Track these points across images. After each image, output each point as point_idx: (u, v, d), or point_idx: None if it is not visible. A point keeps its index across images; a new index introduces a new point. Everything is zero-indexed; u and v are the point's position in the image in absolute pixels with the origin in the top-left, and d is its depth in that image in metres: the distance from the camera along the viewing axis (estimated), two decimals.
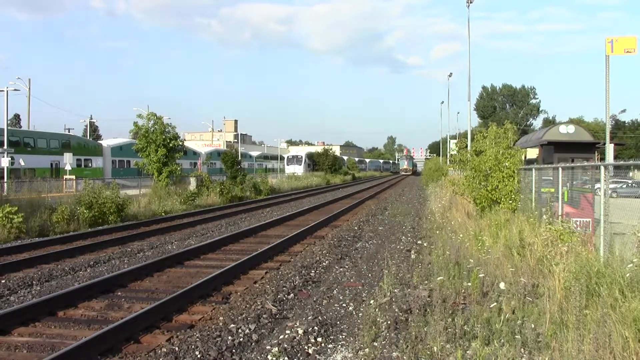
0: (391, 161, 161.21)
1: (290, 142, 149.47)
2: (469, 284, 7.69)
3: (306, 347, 6.31)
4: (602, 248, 8.06)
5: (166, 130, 29.56)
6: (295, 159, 78.63)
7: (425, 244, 13.18)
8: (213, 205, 27.38)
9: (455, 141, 42.61)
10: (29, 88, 49.91)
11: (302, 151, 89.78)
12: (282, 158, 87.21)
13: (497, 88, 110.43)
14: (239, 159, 41.41)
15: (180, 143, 32.02)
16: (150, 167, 29.30)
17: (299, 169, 71.10)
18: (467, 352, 5.48)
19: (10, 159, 34.95)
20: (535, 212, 11.82)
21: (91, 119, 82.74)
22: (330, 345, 6.43)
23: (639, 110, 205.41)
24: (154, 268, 10.77)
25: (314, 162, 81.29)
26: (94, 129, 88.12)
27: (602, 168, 8.59)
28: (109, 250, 13.34)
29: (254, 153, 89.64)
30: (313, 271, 10.85)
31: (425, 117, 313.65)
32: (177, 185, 29.05)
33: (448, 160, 46.25)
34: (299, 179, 53.44)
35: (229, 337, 6.62)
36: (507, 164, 14.88)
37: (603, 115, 20.37)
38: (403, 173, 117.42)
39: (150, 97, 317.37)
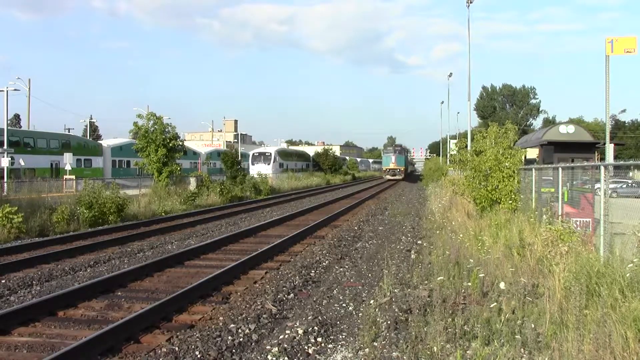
0: None
1: (291, 142, 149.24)
2: (469, 284, 7.69)
3: (306, 347, 6.31)
4: (602, 248, 8.06)
5: (166, 130, 29.59)
6: (262, 157, 63.03)
7: (425, 244, 13.18)
8: (213, 205, 27.39)
9: (455, 141, 42.60)
10: (29, 88, 49.95)
11: (271, 148, 71.51)
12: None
13: (497, 88, 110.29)
14: (239, 159, 41.42)
15: (180, 143, 32.04)
16: (150, 167, 29.32)
17: (266, 169, 56.30)
18: (467, 352, 5.48)
19: (10, 159, 34.96)
20: (535, 212, 11.82)
21: (91, 119, 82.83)
22: (330, 345, 6.43)
23: (639, 110, 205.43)
24: (154, 268, 10.78)
25: (315, 160, 77.42)
26: (94, 129, 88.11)
27: (602, 168, 8.60)
28: (109, 250, 13.34)
29: None
30: (313, 271, 10.85)
31: (425, 117, 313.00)
32: (177, 185, 29.05)
33: (448, 160, 46.25)
34: (299, 179, 53.34)
35: (229, 337, 6.62)
36: (507, 164, 14.88)
37: (603, 115, 20.37)
38: (389, 177, 69.32)
39: (150, 97, 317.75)
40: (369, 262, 11.92)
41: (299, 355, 6.12)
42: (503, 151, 15.24)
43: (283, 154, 69.62)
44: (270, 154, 63.84)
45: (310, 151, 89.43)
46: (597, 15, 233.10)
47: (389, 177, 69.07)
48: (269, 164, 60.56)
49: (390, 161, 69.31)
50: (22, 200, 18.72)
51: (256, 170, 51.78)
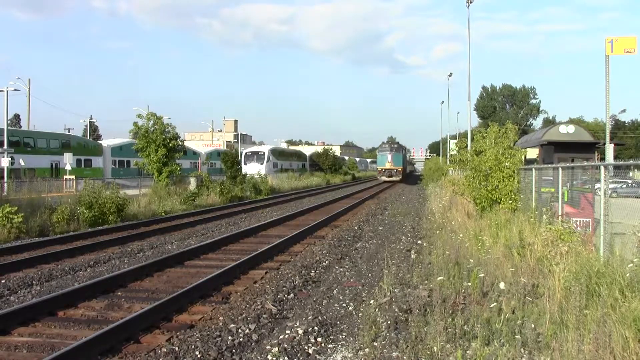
0: None
1: (290, 142, 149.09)
2: (469, 284, 7.69)
3: (306, 347, 6.31)
4: (602, 248, 8.06)
5: (166, 130, 29.63)
6: (255, 156, 59.64)
7: (425, 244, 13.18)
8: (213, 205, 27.38)
9: (455, 141, 42.59)
10: (29, 88, 50.00)
11: (264, 147, 68.21)
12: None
13: (497, 88, 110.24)
14: (239, 159, 41.40)
15: (180, 143, 32.11)
16: (150, 167, 29.36)
17: (260, 169, 52.89)
18: (467, 352, 5.48)
19: (10, 159, 34.96)
20: (535, 212, 11.82)
21: (91, 119, 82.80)
22: (330, 345, 6.43)
23: (639, 110, 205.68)
24: (154, 268, 10.77)
25: (314, 160, 76.82)
26: (94, 129, 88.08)
27: (602, 168, 8.60)
28: (109, 250, 13.34)
29: None
30: (313, 271, 10.85)
31: (425, 117, 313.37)
32: (177, 185, 29.07)
33: (448, 160, 46.24)
34: (299, 179, 53.32)
35: (229, 337, 6.62)
36: (507, 164, 14.88)
37: (603, 115, 20.38)
38: (384, 178, 60.07)
39: (150, 97, 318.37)
40: (369, 262, 11.92)
41: (299, 355, 6.12)
42: (503, 151, 15.23)
43: (277, 153, 66.31)
44: (264, 153, 60.37)
45: (310, 151, 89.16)
46: (597, 15, 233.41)
47: (384, 178, 59.92)
48: (262, 164, 57.10)
49: (386, 160, 60.28)
50: (22, 200, 18.72)
51: (248, 170, 48.28)
